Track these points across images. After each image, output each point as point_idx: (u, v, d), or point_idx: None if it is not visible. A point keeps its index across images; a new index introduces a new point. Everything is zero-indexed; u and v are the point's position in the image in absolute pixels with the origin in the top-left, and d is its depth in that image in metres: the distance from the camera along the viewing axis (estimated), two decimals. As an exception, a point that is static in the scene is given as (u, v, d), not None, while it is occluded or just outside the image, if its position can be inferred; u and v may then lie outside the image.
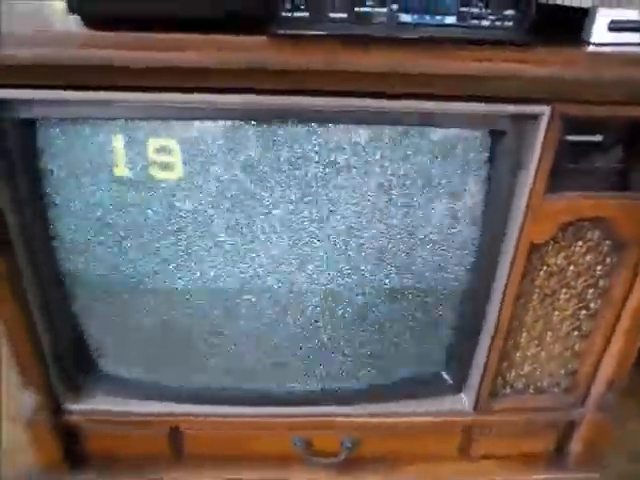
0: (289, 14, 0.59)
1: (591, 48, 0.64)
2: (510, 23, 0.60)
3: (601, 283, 0.83)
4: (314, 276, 0.80)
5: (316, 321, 0.84)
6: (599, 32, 0.64)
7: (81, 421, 0.92)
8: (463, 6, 0.59)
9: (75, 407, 0.90)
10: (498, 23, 0.60)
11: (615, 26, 0.64)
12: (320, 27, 0.59)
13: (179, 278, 0.79)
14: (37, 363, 0.84)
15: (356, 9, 0.59)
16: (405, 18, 0.59)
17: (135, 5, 0.59)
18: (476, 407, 0.92)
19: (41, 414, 0.89)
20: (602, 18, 0.63)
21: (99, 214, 0.74)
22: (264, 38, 0.60)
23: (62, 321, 0.83)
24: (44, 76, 0.62)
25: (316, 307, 0.82)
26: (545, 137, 0.68)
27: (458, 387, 0.92)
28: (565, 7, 0.69)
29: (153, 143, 0.68)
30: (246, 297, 0.81)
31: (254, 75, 0.61)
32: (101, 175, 0.71)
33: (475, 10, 0.59)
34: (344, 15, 0.59)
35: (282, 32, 0.59)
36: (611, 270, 0.82)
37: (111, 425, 0.93)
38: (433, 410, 0.93)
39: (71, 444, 0.95)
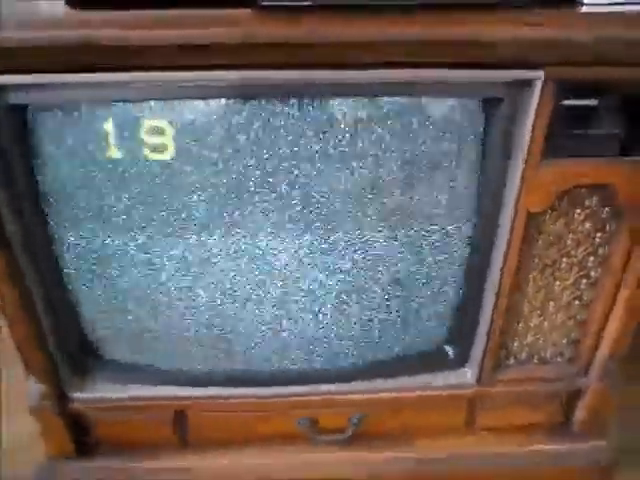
0: (274, -15, 0.58)
1: (585, 9, 0.63)
2: (502, -15, 0.59)
3: (600, 251, 0.82)
4: (314, 252, 0.79)
5: (318, 297, 0.84)
6: (593, -8, 0.63)
7: (87, 408, 0.93)
8: (453, -30, 0.58)
9: (80, 394, 0.91)
10: (488, -14, 0.59)
11: (609, -15, 0.62)
12: (306, -3, 0.58)
13: (178, 264, 0.79)
14: (40, 351, 0.84)
15: (343, -23, 0.58)
16: (394, -16, 0.58)
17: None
18: (480, 379, 0.92)
19: (46, 402, 0.89)
20: (595, -23, 0.62)
21: (96, 200, 0.73)
22: (249, 11, 0.59)
23: (64, 308, 0.83)
24: (30, 59, 0.61)
25: (317, 283, 0.82)
26: (540, 102, 0.67)
27: (461, 360, 0.92)
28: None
29: (146, 124, 0.67)
30: (247, 279, 0.81)
31: (240, 50, 0.59)
32: (96, 159, 0.70)
33: (465, -27, 0.58)
34: (331, -16, 0.58)
35: (267, 4, 0.58)
36: (610, 237, 0.81)
37: (117, 411, 0.94)
38: (437, 384, 0.93)
39: (78, 432, 0.96)
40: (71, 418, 0.93)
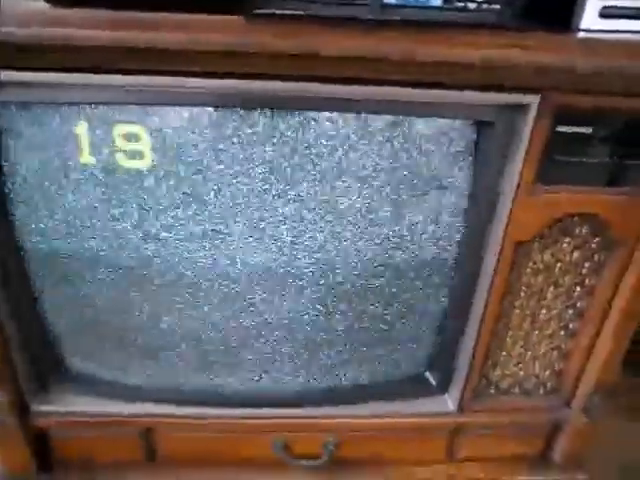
0: (266, -8, 0.56)
1: (581, 35, 0.62)
2: (498, 6, 0.57)
3: (588, 281, 0.81)
4: (293, 271, 0.77)
5: (298, 320, 0.81)
6: (590, 18, 0.61)
7: (51, 422, 0.89)
8: (449, -12, 0.57)
9: (45, 408, 0.87)
10: (485, 6, 0.57)
11: (607, 12, 0.61)
12: (299, 7, 0.56)
13: (153, 273, 0.76)
14: (4, 362, 0.80)
15: (337, -12, 0.56)
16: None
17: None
18: (460, 408, 0.90)
19: (9, 415, 0.85)
20: (593, 3, 0.61)
21: (66, 206, 0.70)
22: (240, 18, 0.57)
23: (30, 319, 0.80)
24: (5, 56, 0.58)
25: (295, 304, 0.79)
26: (534, 128, 0.65)
27: (442, 388, 0.90)
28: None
29: (121, 129, 0.65)
30: (223, 296, 0.78)
31: (229, 57, 0.57)
32: (65, 164, 0.67)
33: (462, -8, 0.57)
34: (324, -5, 0.56)
35: (259, 12, 0.56)
36: (599, 268, 0.80)
37: (82, 427, 0.90)
38: (416, 411, 0.91)
39: (40, 448, 0.92)
40: (33, 433, 0.89)
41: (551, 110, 0.65)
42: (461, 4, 0.57)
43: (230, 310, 0.80)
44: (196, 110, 0.64)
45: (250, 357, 0.84)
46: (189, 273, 0.76)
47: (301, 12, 0.56)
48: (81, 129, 0.64)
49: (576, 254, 0.78)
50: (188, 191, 0.69)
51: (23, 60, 0.58)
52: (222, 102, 0.64)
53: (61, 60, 0.58)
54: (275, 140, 0.66)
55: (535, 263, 0.78)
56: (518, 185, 0.70)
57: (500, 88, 0.63)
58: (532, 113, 0.64)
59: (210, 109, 0.64)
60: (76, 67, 0.59)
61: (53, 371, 0.86)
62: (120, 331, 0.81)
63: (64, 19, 0.56)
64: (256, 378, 0.87)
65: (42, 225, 0.72)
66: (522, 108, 0.64)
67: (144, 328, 0.81)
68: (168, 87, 0.61)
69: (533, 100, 0.63)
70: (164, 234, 0.73)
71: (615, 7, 0.61)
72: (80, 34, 0.55)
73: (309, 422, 0.91)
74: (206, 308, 0.79)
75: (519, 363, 0.88)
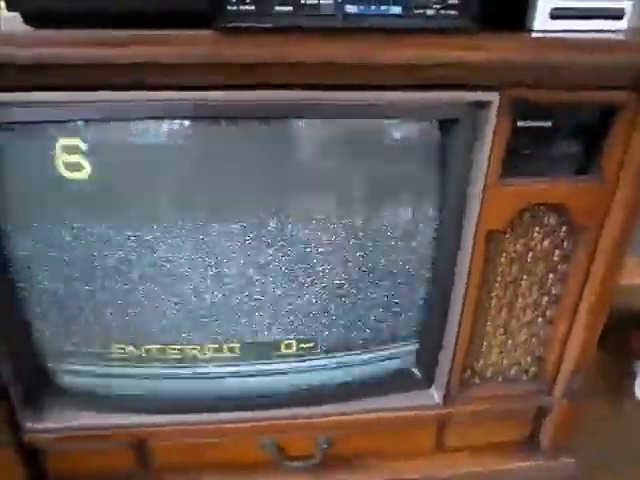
0: (235, 7, 0.59)
1: (534, 35, 0.66)
2: (454, 11, 0.61)
3: (560, 268, 0.84)
4: (278, 273, 0.79)
5: (283, 316, 0.83)
6: (541, 19, 0.65)
7: (44, 438, 0.89)
8: (407, -4, 0.60)
9: (37, 424, 0.87)
10: (442, 12, 0.61)
11: (556, 13, 0.65)
12: (266, 20, 0.59)
13: (136, 279, 0.78)
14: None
15: (302, 1, 0.59)
16: (351, 9, 0.60)
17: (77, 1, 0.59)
18: (446, 399, 0.92)
19: (1, 433, 0.85)
20: (543, 6, 0.65)
21: (46, 217, 0.72)
22: (210, 32, 0.60)
23: (17, 332, 0.80)
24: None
25: (281, 302, 0.82)
26: (497, 123, 0.69)
27: (428, 381, 0.92)
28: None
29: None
30: (208, 294, 0.80)
31: (200, 70, 0.60)
32: (44, 179, 0.69)
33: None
34: (290, 8, 0.59)
35: (228, 25, 0.59)
36: (569, 255, 0.83)
37: (75, 441, 0.90)
38: (404, 405, 0.92)
39: (32, 467, 0.92)
40: (25, 451, 0.89)
41: (510, 106, 0.68)
42: (420, 11, 0.61)
43: (215, 314, 0.82)
44: (169, 122, 0.67)
45: (240, 360, 0.86)
46: (174, 276, 0.78)
47: (270, 25, 0.59)
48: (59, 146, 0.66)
49: (546, 242, 0.81)
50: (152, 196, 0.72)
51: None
52: (195, 113, 0.66)
53: (37, 78, 0.60)
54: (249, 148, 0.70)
55: (508, 253, 0.81)
56: (485, 178, 0.73)
57: (462, 87, 0.66)
58: (493, 109, 0.68)
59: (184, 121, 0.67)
60: (57, 85, 0.61)
61: (45, 386, 0.87)
62: (109, 340, 0.82)
63: (40, 39, 0.59)
64: (246, 380, 0.88)
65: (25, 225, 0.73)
66: (484, 105, 0.68)
67: (133, 336, 0.82)
68: (141, 101, 0.64)
69: (493, 97, 0.67)
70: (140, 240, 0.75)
71: (563, 8, 0.65)
72: (61, 52, 0.58)
73: (299, 422, 0.92)
74: (187, 315, 0.81)
75: (501, 352, 0.90)
